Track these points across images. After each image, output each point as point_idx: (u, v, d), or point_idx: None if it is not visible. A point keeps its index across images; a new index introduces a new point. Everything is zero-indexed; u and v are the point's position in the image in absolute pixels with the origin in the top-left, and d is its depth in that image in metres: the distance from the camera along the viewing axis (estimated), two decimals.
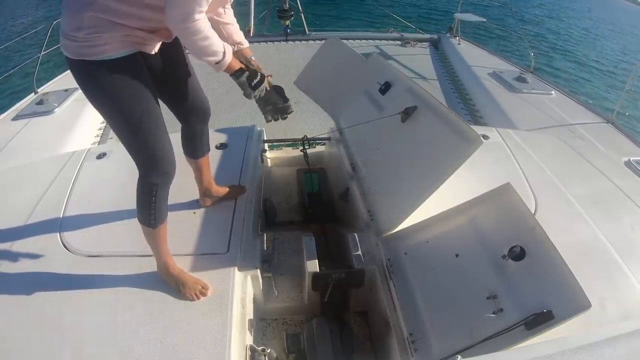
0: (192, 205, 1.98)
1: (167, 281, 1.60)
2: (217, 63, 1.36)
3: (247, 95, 1.49)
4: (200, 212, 1.96)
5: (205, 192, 1.96)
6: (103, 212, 1.92)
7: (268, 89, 1.53)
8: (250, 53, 1.67)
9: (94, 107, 1.37)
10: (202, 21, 1.24)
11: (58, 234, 1.83)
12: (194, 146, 1.81)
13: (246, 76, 1.44)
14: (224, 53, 1.36)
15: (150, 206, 1.48)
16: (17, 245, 1.77)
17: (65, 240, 1.79)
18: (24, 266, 1.68)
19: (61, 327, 1.44)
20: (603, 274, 1.65)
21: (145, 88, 1.34)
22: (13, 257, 1.71)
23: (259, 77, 1.47)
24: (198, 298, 1.55)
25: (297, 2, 5.42)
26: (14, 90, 6.16)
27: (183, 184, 1.30)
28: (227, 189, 2.06)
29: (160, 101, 1.48)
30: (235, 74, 1.44)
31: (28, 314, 1.49)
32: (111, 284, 1.61)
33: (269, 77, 1.56)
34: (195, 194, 1.97)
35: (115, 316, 1.48)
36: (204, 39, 1.27)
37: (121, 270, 1.66)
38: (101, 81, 1.27)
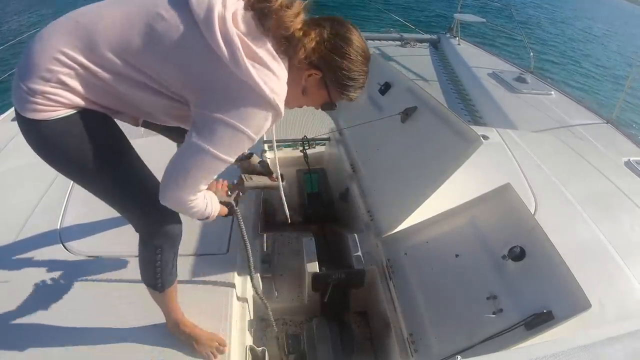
0: None
1: (178, 338, 1.41)
2: (205, 218, 1.19)
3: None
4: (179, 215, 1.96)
5: None
6: (103, 213, 1.91)
7: (243, 194, 1.43)
8: None
9: (61, 171, 1.10)
10: (197, 200, 1.07)
11: (58, 234, 1.82)
12: None
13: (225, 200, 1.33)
14: (211, 213, 1.18)
15: (154, 270, 1.24)
16: (17, 246, 1.76)
17: (65, 241, 1.79)
18: (24, 267, 1.67)
19: (61, 328, 1.44)
20: (603, 274, 1.66)
21: (109, 134, 1.07)
22: (13, 257, 1.71)
23: (234, 194, 1.38)
24: (215, 357, 1.38)
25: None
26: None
27: None
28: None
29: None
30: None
31: (28, 315, 1.49)
32: (111, 285, 1.61)
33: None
34: None
35: (116, 316, 1.48)
36: (199, 212, 1.12)
37: (121, 271, 1.66)
38: (64, 140, 1.00)
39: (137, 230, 1.22)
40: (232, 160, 1.01)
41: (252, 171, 1.51)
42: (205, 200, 1.11)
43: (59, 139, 0.99)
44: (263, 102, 0.94)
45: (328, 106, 1.13)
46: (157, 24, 0.94)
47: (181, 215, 1.20)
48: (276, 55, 0.96)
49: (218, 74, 0.93)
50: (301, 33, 0.98)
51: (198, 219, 1.17)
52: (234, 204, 1.35)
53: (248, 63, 0.91)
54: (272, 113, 0.96)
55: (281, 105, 0.96)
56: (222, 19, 0.92)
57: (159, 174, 1.14)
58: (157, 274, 1.25)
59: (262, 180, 1.48)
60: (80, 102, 0.98)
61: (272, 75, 0.94)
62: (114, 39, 0.94)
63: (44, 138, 1.00)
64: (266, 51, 0.95)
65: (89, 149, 1.02)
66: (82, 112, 1.00)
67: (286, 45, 0.98)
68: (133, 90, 0.99)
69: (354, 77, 1.07)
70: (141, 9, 0.96)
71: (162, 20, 0.94)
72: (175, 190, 1.01)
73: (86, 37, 0.94)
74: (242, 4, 0.99)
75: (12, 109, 3.59)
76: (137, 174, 1.12)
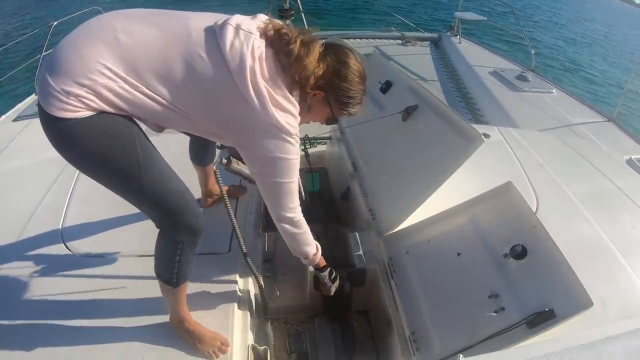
0: None
1: (181, 336, 1.42)
2: (306, 258, 1.46)
3: (327, 291, 1.60)
4: (201, 212, 1.96)
5: (207, 193, 1.96)
6: (105, 212, 1.92)
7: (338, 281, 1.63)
8: None
9: (84, 169, 1.15)
10: (301, 219, 1.34)
11: (60, 234, 1.83)
12: (204, 155, 1.79)
13: (327, 272, 1.56)
14: (317, 248, 1.47)
15: (173, 266, 1.27)
16: (19, 246, 1.77)
17: (67, 240, 1.80)
18: (26, 266, 1.68)
19: (63, 326, 1.45)
20: (604, 273, 1.65)
21: (134, 133, 1.11)
22: (15, 257, 1.72)
23: (334, 274, 1.59)
24: (217, 356, 1.38)
25: (297, 2, 5.41)
26: (15, 91, 6.17)
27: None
28: (227, 188, 2.06)
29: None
30: (320, 270, 1.55)
31: (29, 313, 1.49)
32: (113, 284, 1.61)
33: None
34: (196, 194, 1.97)
35: (117, 315, 1.49)
36: (302, 234, 1.37)
37: (123, 270, 1.66)
38: (90, 139, 1.03)
39: (158, 226, 1.24)
40: (297, 176, 1.22)
41: (239, 157, 1.56)
42: (307, 227, 1.38)
43: (84, 138, 1.03)
44: (289, 135, 1.13)
45: (331, 121, 1.31)
46: (196, 64, 1.04)
47: None
48: (291, 98, 1.13)
49: (250, 118, 1.09)
50: (314, 67, 1.14)
51: (309, 254, 1.43)
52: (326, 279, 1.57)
53: (274, 111, 1.08)
54: (297, 137, 1.16)
55: (298, 130, 1.16)
56: (253, 72, 1.05)
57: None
58: (174, 270, 1.28)
59: (246, 168, 1.54)
60: (109, 109, 1.03)
61: (290, 116, 1.13)
62: (158, 69, 1.03)
63: (69, 136, 1.03)
64: (285, 98, 1.11)
65: (115, 148, 1.07)
66: (109, 113, 1.04)
67: (301, 79, 1.14)
68: (168, 112, 1.08)
69: (352, 95, 1.23)
70: (178, 41, 1.05)
71: (201, 60, 1.04)
72: (283, 211, 1.27)
73: (130, 59, 1.01)
74: (264, 43, 1.11)
75: (14, 109, 3.61)
76: (161, 171, 1.17)
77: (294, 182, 1.23)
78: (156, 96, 1.04)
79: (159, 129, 1.21)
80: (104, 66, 0.99)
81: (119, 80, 1.00)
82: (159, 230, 1.25)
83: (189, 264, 1.31)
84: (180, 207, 1.20)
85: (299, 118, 1.16)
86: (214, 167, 1.49)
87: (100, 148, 1.06)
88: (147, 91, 1.03)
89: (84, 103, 0.99)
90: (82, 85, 0.98)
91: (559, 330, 1.19)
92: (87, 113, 1.00)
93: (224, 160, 1.49)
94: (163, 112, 1.08)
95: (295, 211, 1.30)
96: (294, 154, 1.17)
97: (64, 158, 1.10)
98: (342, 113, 1.27)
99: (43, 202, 2.02)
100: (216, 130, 1.16)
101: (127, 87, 1.02)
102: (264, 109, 1.07)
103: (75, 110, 0.99)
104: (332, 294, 1.60)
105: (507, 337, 1.24)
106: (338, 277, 1.61)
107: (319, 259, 1.51)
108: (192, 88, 1.06)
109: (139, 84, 1.02)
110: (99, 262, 1.71)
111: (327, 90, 1.20)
